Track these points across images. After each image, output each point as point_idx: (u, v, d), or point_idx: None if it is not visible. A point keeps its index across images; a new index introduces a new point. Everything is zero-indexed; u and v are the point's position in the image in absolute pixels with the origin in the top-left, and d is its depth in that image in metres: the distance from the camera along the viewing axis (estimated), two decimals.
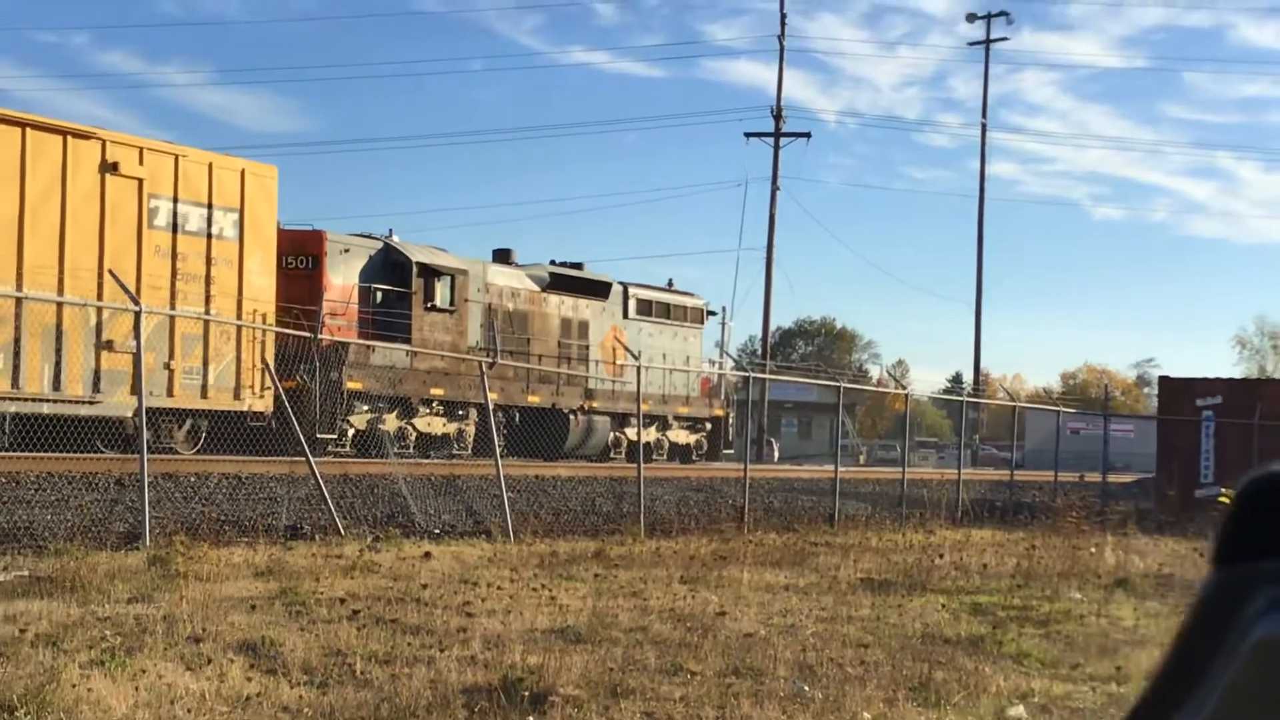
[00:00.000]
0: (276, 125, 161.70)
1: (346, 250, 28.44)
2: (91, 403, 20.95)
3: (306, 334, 21.62)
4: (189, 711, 8.24)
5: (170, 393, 21.85)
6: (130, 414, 21.49)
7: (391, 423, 28.02)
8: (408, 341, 28.23)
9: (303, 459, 18.79)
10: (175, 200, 22.44)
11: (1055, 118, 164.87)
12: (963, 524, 26.43)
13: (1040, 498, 29.21)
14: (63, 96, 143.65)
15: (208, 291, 22.85)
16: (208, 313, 22.25)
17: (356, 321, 27.86)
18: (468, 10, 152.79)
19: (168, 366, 21.75)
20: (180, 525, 16.25)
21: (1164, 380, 36.41)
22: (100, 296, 20.60)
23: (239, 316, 22.90)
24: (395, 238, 30.10)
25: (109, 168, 21.44)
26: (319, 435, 24.50)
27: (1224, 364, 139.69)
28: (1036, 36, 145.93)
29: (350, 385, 26.74)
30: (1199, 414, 32.44)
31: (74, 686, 8.31)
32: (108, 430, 21.26)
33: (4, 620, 10.30)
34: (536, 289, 33.36)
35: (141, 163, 22.01)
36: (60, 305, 20.07)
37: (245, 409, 23.37)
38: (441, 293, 29.76)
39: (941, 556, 18.34)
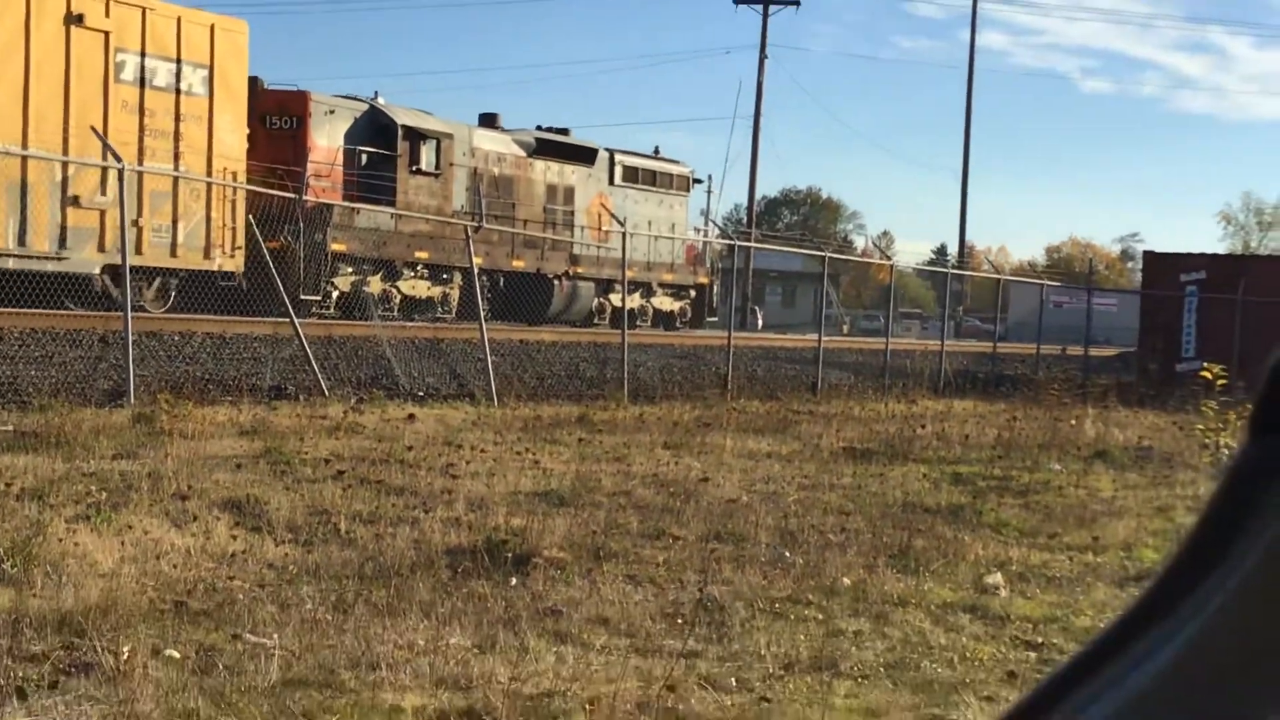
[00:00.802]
0: None
1: (331, 112, 28.18)
2: (58, 258, 20.81)
3: (290, 195, 21.50)
4: (174, 567, 8.30)
5: (139, 250, 21.67)
6: (97, 271, 21.39)
7: (376, 285, 27.97)
8: (392, 204, 28.09)
9: (286, 320, 18.76)
10: (143, 55, 22.09)
11: None
12: (945, 395, 26.54)
13: (1022, 370, 29.32)
14: None
15: (176, 148, 22.57)
16: (177, 170, 22.05)
17: (341, 183, 27.67)
18: None
19: (136, 224, 21.55)
20: (164, 384, 16.24)
21: (1148, 255, 36.42)
22: (65, 151, 20.37)
23: (209, 174, 22.68)
24: (381, 100, 29.84)
25: (74, 19, 21.07)
26: (303, 297, 24.44)
27: (1209, 240, 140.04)
28: None
29: (334, 247, 26.64)
30: (1182, 289, 32.46)
31: (60, 540, 8.35)
32: (75, 287, 21.15)
33: None
34: (522, 154, 33.15)
35: (108, 15, 21.64)
36: (25, 160, 19.83)
37: (215, 269, 23.25)
38: (427, 156, 29.55)
39: (923, 427, 18.44)
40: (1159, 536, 11.59)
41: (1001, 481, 14.33)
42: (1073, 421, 19.63)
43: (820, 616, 8.21)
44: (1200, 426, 13.50)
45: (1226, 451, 11.29)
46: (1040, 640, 8.08)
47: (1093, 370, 30.88)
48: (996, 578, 9.43)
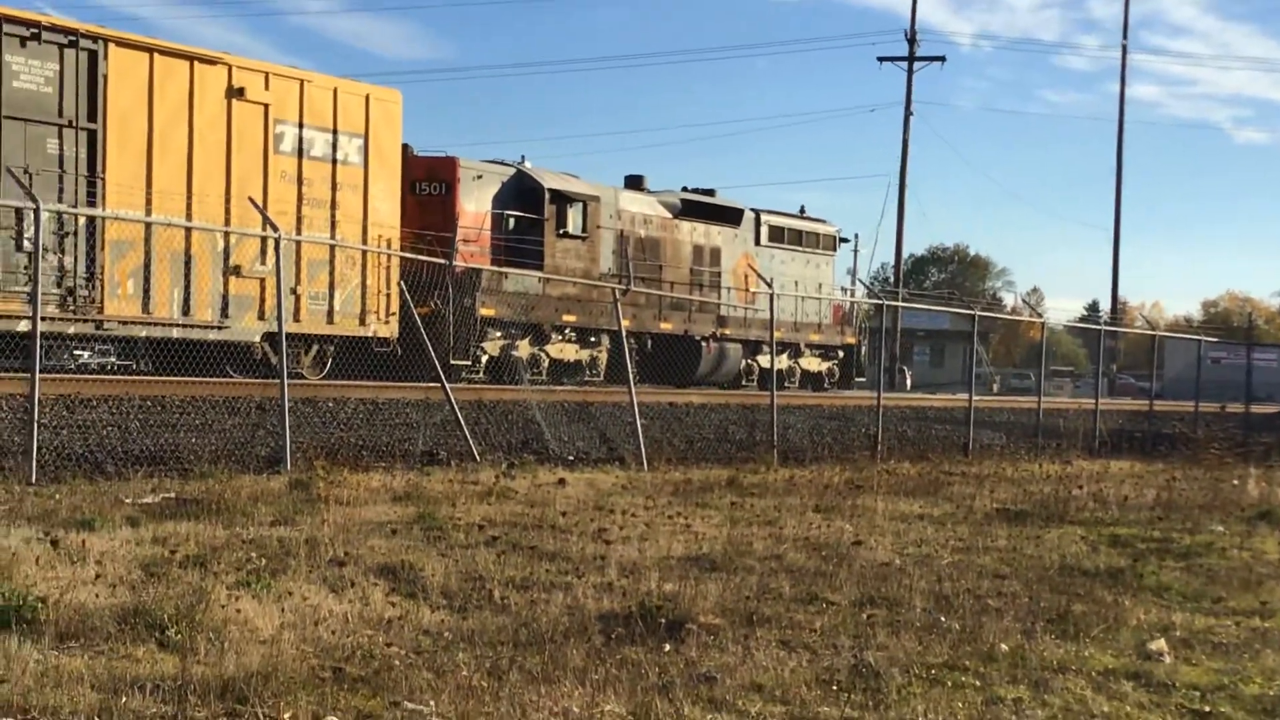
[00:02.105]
0: (410, 52, 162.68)
1: (479, 177, 28.55)
2: (220, 327, 21.29)
3: (440, 260, 21.77)
4: (333, 633, 8.38)
5: (297, 317, 22.13)
6: (258, 339, 21.83)
7: (524, 349, 28.20)
8: (540, 268, 28.33)
9: (438, 385, 18.97)
10: (300, 125, 22.64)
11: (1198, 38, 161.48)
12: (1100, 455, 26.08)
13: (1180, 428, 28.74)
14: (196, 23, 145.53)
15: (333, 217, 23.06)
16: (333, 238, 22.47)
17: (489, 248, 27.98)
18: None
19: (294, 291, 22.02)
20: (320, 450, 16.48)
21: None
22: (227, 222, 20.89)
23: (364, 242, 23.09)
24: (528, 164, 30.16)
25: (235, 93, 21.67)
26: (453, 361, 24.71)
27: None
28: None
29: (484, 311, 26.92)
30: None
31: (223, 607, 8.48)
32: (235, 355, 21.59)
33: (153, 541, 10.53)
34: (668, 215, 33.28)
35: (267, 87, 22.21)
36: (189, 231, 20.35)
37: (370, 334, 23.63)
38: (574, 219, 29.79)
39: (1079, 488, 18.11)
40: None
41: (1162, 544, 14.02)
42: (1235, 481, 19.19)
43: (978, 683, 8.07)
44: None
45: None
46: (1208, 709, 7.87)
47: (1254, 428, 30.19)
48: (1160, 644, 9.20)
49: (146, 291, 20.32)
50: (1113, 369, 62.87)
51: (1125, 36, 68.65)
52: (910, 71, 59.90)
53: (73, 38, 19.75)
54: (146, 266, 20.30)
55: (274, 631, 8.22)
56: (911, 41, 60.23)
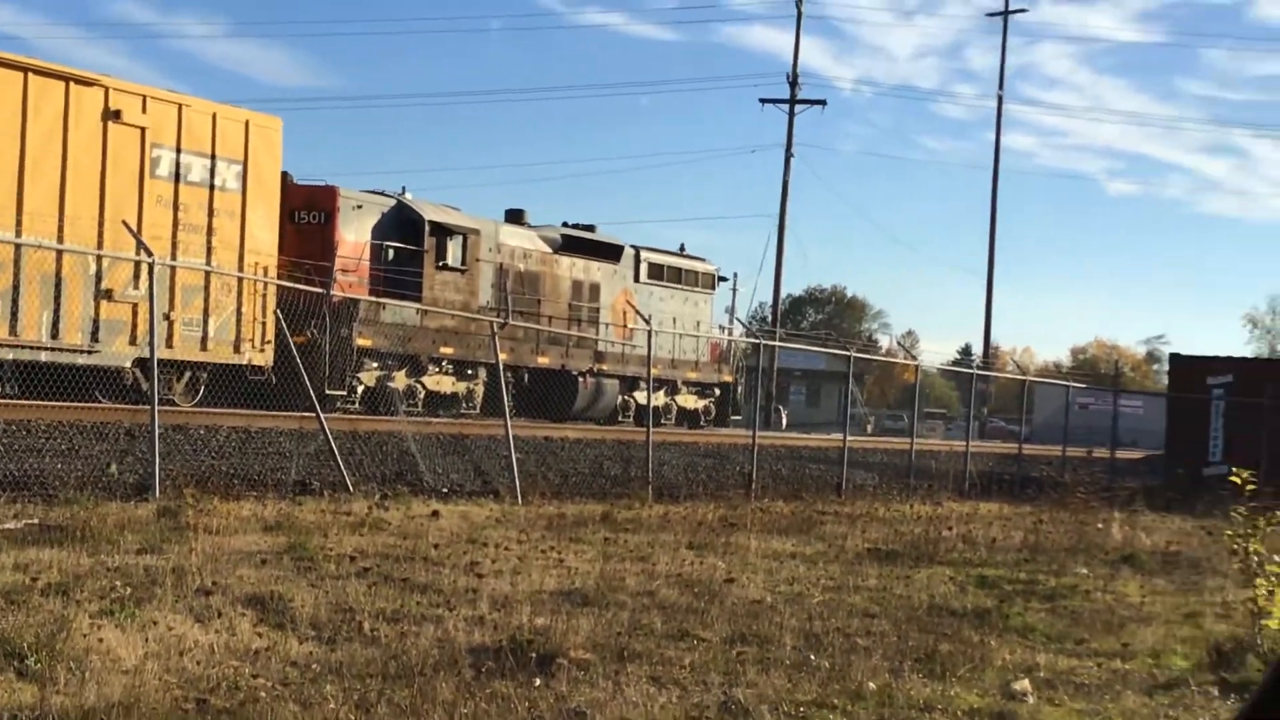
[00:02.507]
0: (292, 80, 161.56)
1: (359, 206, 28.41)
2: (90, 351, 20.95)
3: (317, 290, 21.60)
4: (198, 664, 8.26)
5: (170, 344, 21.83)
6: (129, 364, 21.50)
7: (401, 380, 28.05)
8: (419, 299, 28.22)
9: (312, 414, 18.80)
10: (178, 150, 22.38)
11: (1072, 91, 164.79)
12: (970, 496, 26.41)
13: (1048, 472, 29.20)
14: (76, 45, 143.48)
15: (209, 243, 22.80)
16: (209, 264, 22.22)
17: (368, 278, 27.83)
18: None
19: (168, 317, 21.73)
20: (190, 478, 16.25)
21: (1175, 358, 36.41)
22: (100, 245, 20.56)
23: (241, 269, 22.85)
24: (409, 195, 30.07)
25: (111, 115, 21.38)
26: (328, 391, 24.51)
27: (1235, 342, 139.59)
28: (1055, 8, 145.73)
29: (360, 342, 26.76)
30: (1209, 392, 32.39)
31: (84, 636, 8.33)
32: (106, 380, 21.25)
33: (15, 568, 10.32)
34: (548, 250, 33.32)
35: (145, 111, 21.94)
36: (60, 253, 20.01)
37: (245, 362, 23.37)
38: (453, 251, 29.73)
39: (949, 529, 18.33)
40: (1188, 644, 11.46)
41: (1028, 585, 14.22)
42: (1099, 525, 19.52)
43: None
44: (1229, 532, 13.32)
45: (1255, 558, 11.17)
46: None
47: (1119, 473, 30.76)
48: (1024, 684, 9.33)
49: (14, 314, 19.94)
50: (984, 412, 63.76)
51: (1001, 87, 69.84)
52: (791, 114, 60.51)
53: None
54: (15, 288, 19.92)
55: (137, 661, 8.08)
56: (793, 85, 60.86)
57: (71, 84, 20.94)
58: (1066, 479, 25.33)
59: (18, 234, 19.49)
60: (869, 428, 65.44)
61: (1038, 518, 19.90)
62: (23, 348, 20.11)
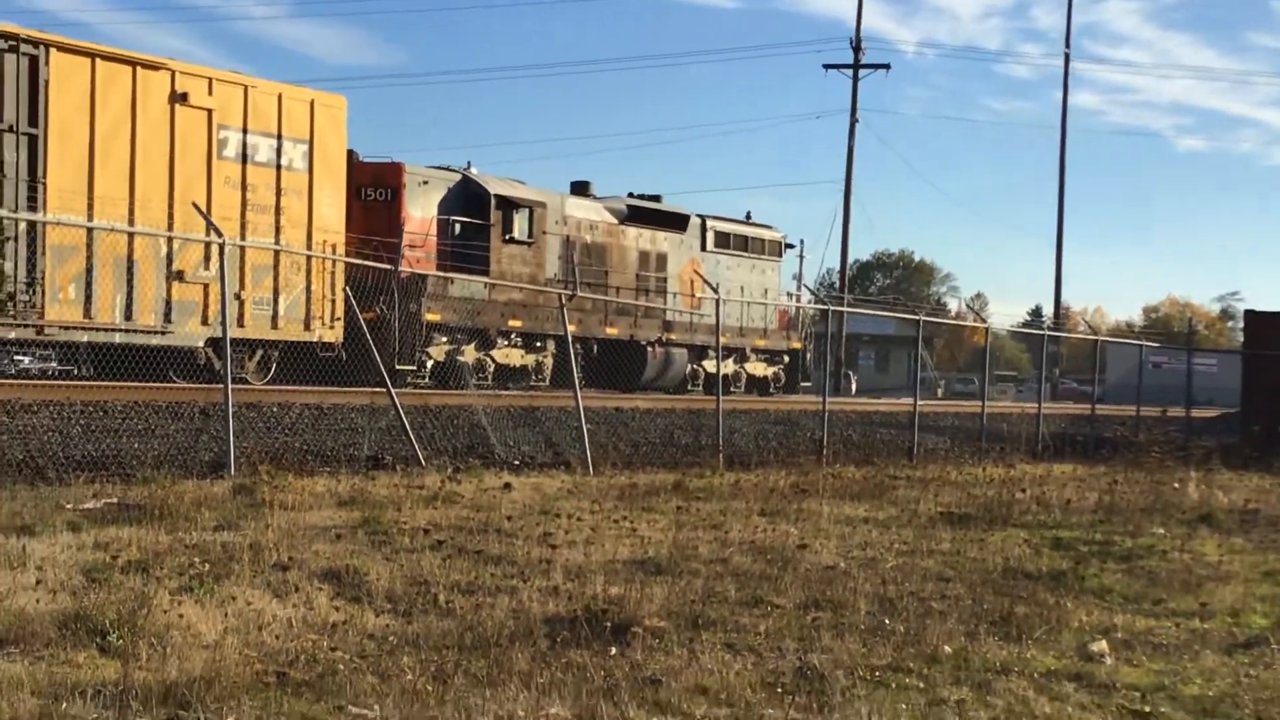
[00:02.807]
0: (356, 58, 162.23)
1: (425, 182, 28.50)
2: (163, 332, 21.15)
3: (385, 266, 21.70)
4: (277, 638, 8.36)
5: (241, 323, 22.01)
6: (201, 344, 21.71)
7: (470, 354, 28.16)
8: (486, 273, 28.30)
9: (383, 390, 18.90)
10: (245, 131, 22.54)
11: (1140, 47, 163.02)
12: (1043, 459, 26.25)
13: (1122, 433, 28.88)
14: (142, 30, 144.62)
15: (277, 222, 22.98)
16: (277, 243, 22.37)
17: (435, 253, 27.93)
18: None
19: (238, 297, 21.91)
20: (264, 455, 16.41)
21: (1250, 314, 35.92)
22: (170, 227, 20.75)
23: (309, 247, 23.00)
24: (474, 170, 30.14)
25: (178, 98, 21.55)
26: (398, 366, 24.64)
27: None
28: None
29: (429, 317, 26.88)
30: None
31: (165, 612, 8.44)
32: (179, 360, 21.44)
33: (95, 547, 10.46)
34: (614, 221, 33.31)
35: (211, 93, 22.10)
36: (131, 236, 20.21)
37: (315, 339, 23.53)
38: (520, 225, 29.78)
39: (1023, 491, 18.22)
40: (1267, 602, 11.37)
41: (1104, 546, 14.13)
42: (1175, 485, 19.35)
43: (922, 685, 8.12)
44: None
45: None
46: (1148, 710, 7.95)
47: (1195, 432, 30.45)
48: (1101, 645, 9.29)
49: (89, 297, 20.17)
50: (1056, 374, 63.34)
51: (1068, 45, 69.14)
52: (855, 79, 60.18)
53: (13, 43, 19.57)
54: (89, 272, 20.14)
55: (217, 636, 8.18)
56: (856, 50, 60.51)
57: (138, 68, 21.11)
58: (1141, 439, 25.08)
59: (89, 218, 19.68)
60: (939, 392, 65.14)
61: (1112, 478, 19.75)
62: (98, 330, 20.34)
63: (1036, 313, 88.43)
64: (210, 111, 21.99)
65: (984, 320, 38.41)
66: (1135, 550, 13.90)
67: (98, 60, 20.60)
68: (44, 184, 19.66)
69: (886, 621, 9.64)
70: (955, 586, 11.30)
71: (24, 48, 19.65)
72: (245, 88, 22.73)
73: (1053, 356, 58.77)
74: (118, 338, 20.48)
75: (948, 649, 8.90)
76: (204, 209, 19.46)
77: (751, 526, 14.03)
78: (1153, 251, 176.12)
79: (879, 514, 15.97)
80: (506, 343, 29.52)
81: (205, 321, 21.61)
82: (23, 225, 19.04)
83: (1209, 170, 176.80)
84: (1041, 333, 39.80)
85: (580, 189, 33.77)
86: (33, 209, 19.26)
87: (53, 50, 20.03)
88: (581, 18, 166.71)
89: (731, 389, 34.53)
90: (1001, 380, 68.73)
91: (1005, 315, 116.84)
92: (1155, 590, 11.76)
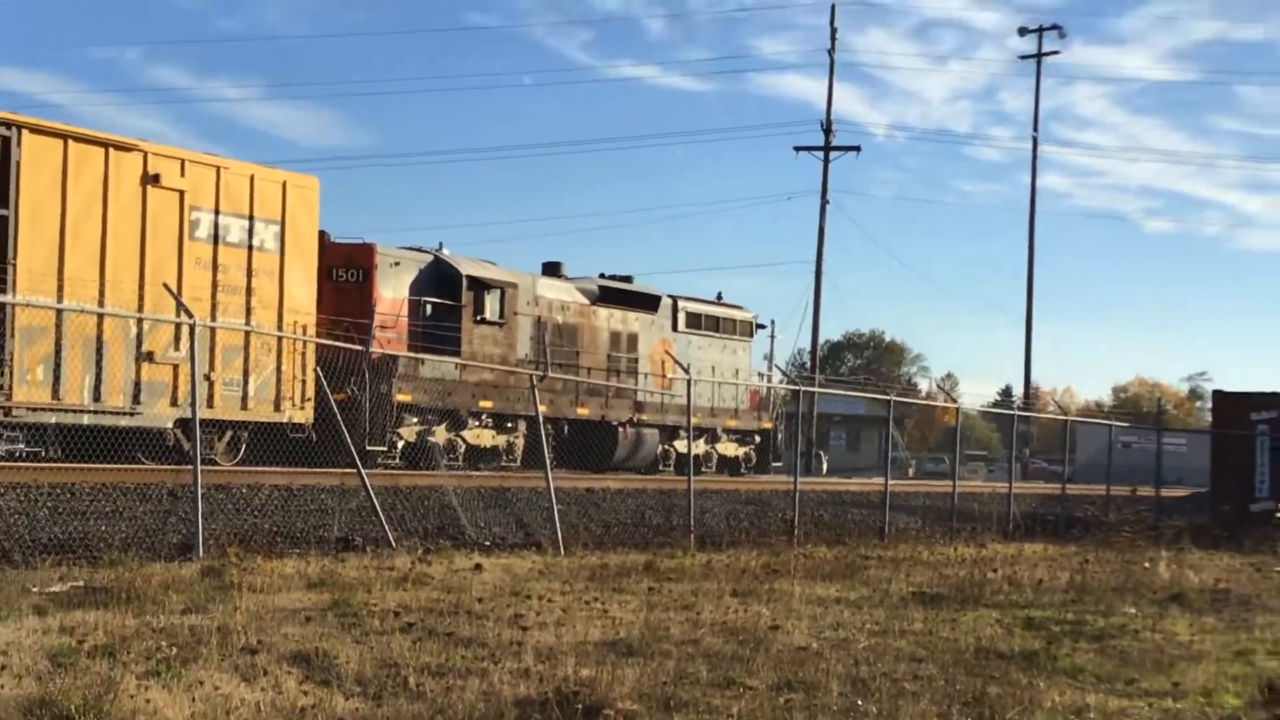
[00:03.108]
0: (327, 139, 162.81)
1: (397, 263, 28.54)
2: (132, 414, 21.06)
3: (356, 347, 21.69)
4: None
5: (211, 404, 21.92)
6: (170, 425, 21.61)
7: (441, 435, 28.10)
8: (457, 354, 28.30)
9: (353, 471, 18.84)
10: (216, 212, 22.54)
11: (1107, 131, 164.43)
12: (1014, 538, 26.27)
13: (1092, 512, 28.96)
14: (116, 111, 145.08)
15: (248, 303, 22.94)
16: (248, 324, 22.34)
17: (406, 334, 27.92)
18: (519, 25, 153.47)
19: (208, 378, 21.83)
20: (233, 536, 16.34)
21: (1218, 394, 36.14)
22: (140, 308, 20.72)
23: (280, 328, 22.96)
24: (445, 251, 30.19)
25: (150, 179, 21.56)
26: (369, 447, 24.57)
27: (1278, 377, 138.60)
28: (1088, 50, 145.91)
29: (400, 397, 26.83)
30: (1254, 428, 32.14)
31: (131, 697, 8.35)
32: (147, 441, 21.34)
33: (61, 631, 10.37)
34: (586, 302, 33.39)
35: (183, 174, 22.12)
36: (101, 317, 20.16)
37: (285, 420, 23.45)
38: (491, 305, 29.82)
39: (994, 571, 18.22)
40: (1239, 681, 11.36)
41: (1076, 626, 14.12)
42: (1146, 564, 19.37)
43: None
44: (1278, 568, 13.26)
45: None
46: None
47: (1165, 511, 30.52)
48: None
49: (57, 378, 20.07)
50: (1026, 453, 63.48)
51: (1036, 129, 69.81)
52: (826, 161, 60.62)
53: None
54: (57, 353, 20.05)
55: None
56: (827, 132, 60.99)
57: (111, 150, 21.14)
58: (1111, 518, 25.15)
59: (59, 299, 19.63)
60: (910, 471, 65.17)
61: (1083, 558, 19.77)
62: (66, 410, 20.24)
63: (1006, 392, 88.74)
64: (182, 193, 22.01)
65: (954, 400, 38.57)
66: (1107, 630, 13.89)
67: (70, 141, 20.62)
68: (13, 265, 19.60)
69: (859, 703, 9.60)
70: (928, 667, 11.27)
71: None
72: (218, 169, 22.77)
73: (1023, 436, 58.96)
74: (86, 419, 20.38)
75: None
76: (175, 290, 19.47)
77: (723, 607, 13.98)
78: (1122, 332, 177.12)
79: (851, 594, 15.94)
80: (478, 423, 29.48)
81: (175, 402, 21.53)
82: None
83: (1177, 252, 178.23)
84: (1012, 413, 39.96)
85: (551, 269, 33.86)
86: (0, 290, 19.20)
87: (25, 131, 20.05)
88: (555, 99, 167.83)
89: (703, 469, 34.50)
90: (972, 460, 68.80)
91: (975, 395, 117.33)
92: (1128, 670, 11.74)
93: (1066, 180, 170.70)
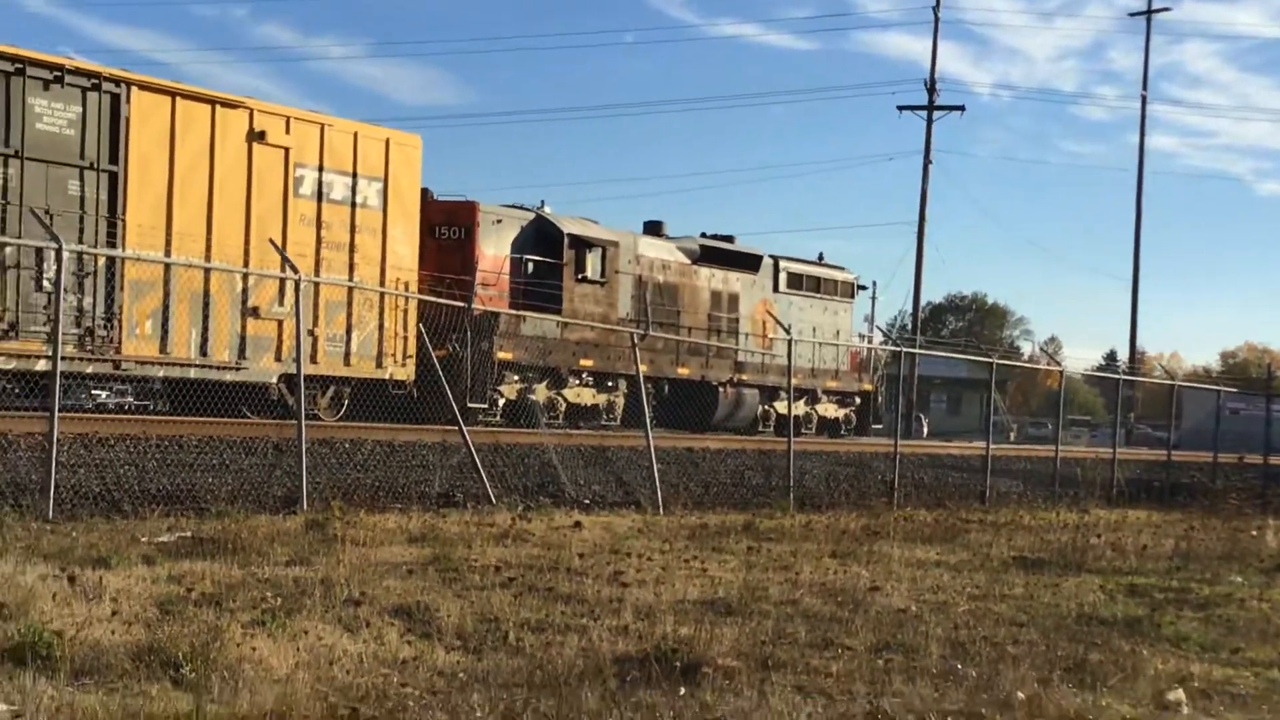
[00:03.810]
0: (431, 98, 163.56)
1: (499, 221, 28.63)
2: (237, 368, 21.32)
3: (459, 304, 21.80)
4: (348, 673, 8.38)
5: (314, 359, 22.13)
6: (274, 380, 21.85)
7: (541, 393, 28.21)
8: (558, 312, 28.36)
9: (455, 428, 18.97)
10: (320, 169, 22.70)
11: (1218, 90, 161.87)
12: (1118, 504, 26.00)
13: (1198, 478, 28.62)
14: (221, 69, 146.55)
15: (351, 260, 23.11)
16: (351, 280, 22.51)
17: (508, 291, 28.02)
18: None
19: (312, 333, 22.03)
20: (336, 490, 16.53)
21: None
22: (246, 263, 20.95)
23: (382, 284, 23.11)
24: (547, 209, 30.24)
25: (256, 136, 21.75)
26: (470, 405, 24.71)
27: None
28: (1199, 6, 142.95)
29: (501, 355, 26.95)
30: None
31: (237, 645, 8.48)
32: (252, 396, 21.60)
33: (169, 580, 10.55)
34: (687, 261, 33.33)
35: (288, 131, 22.29)
36: (207, 272, 20.41)
37: (387, 377, 23.62)
38: (592, 264, 29.84)
39: (1097, 536, 18.05)
40: None
41: (1180, 594, 13.95)
42: (1253, 532, 19.11)
43: None
44: None
45: None
46: None
47: (1273, 479, 30.04)
48: (1178, 694, 9.15)
49: (165, 332, 20.36)
50: (1130, 418, 62.70)
51: (1145, 87, 68.72)
52: (930, 120, 60.01)
53: (95, 81, 19.86)
54: (165, 307, 20.34)
55: (289, 671, 8.21)
56: (931, 91, 60.35)
57: (217, 107, 21.34)
58: (1218, 485, 24.84)
59: (167, 253, 19.90)
60: (1012, 436, 64.65)
61: (1189, 525, 19.54)
62: (173, 365, 20.54)
63: (1111, 357, 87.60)
64: (287, 150, 22.19)
65: (1058, 364, 38.12)
66: (1212, 598, 13.71)
67: (177, 98, 20.85)
68: (123, 220, 19.89)
69: (959, 666, 9.55)
70: (1028, 632, 11.18)
71: (106, 86, 19.93)
72: (321, 126, 22.92)
73: (1127, 401, 58.22)
74: (193, 373, 20.66)
75: (1021, 695, 8.79)
76: (280, 246, 19.66)
77: (822, 568, 13.96)
78: (1231, 296, 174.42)
79: (951, 558, 15.85)
80: (578, 382, 29.56)
81: (279, 358, 21.77)
82: (102, 261, 19.27)
83: None
84: (1117, 376, 39.49)
85: (653, 229, 33.82)
86: (111, 245, 19.50)
87: (134, 88, 20.30)
88: (657, 57, 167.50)
89: (803, 430, 34.40)
90: (1075, 425, 68.15)
91: (1079, 359, 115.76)
92: (1233, 639, 11.58)
93: (1175, 140, 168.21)
